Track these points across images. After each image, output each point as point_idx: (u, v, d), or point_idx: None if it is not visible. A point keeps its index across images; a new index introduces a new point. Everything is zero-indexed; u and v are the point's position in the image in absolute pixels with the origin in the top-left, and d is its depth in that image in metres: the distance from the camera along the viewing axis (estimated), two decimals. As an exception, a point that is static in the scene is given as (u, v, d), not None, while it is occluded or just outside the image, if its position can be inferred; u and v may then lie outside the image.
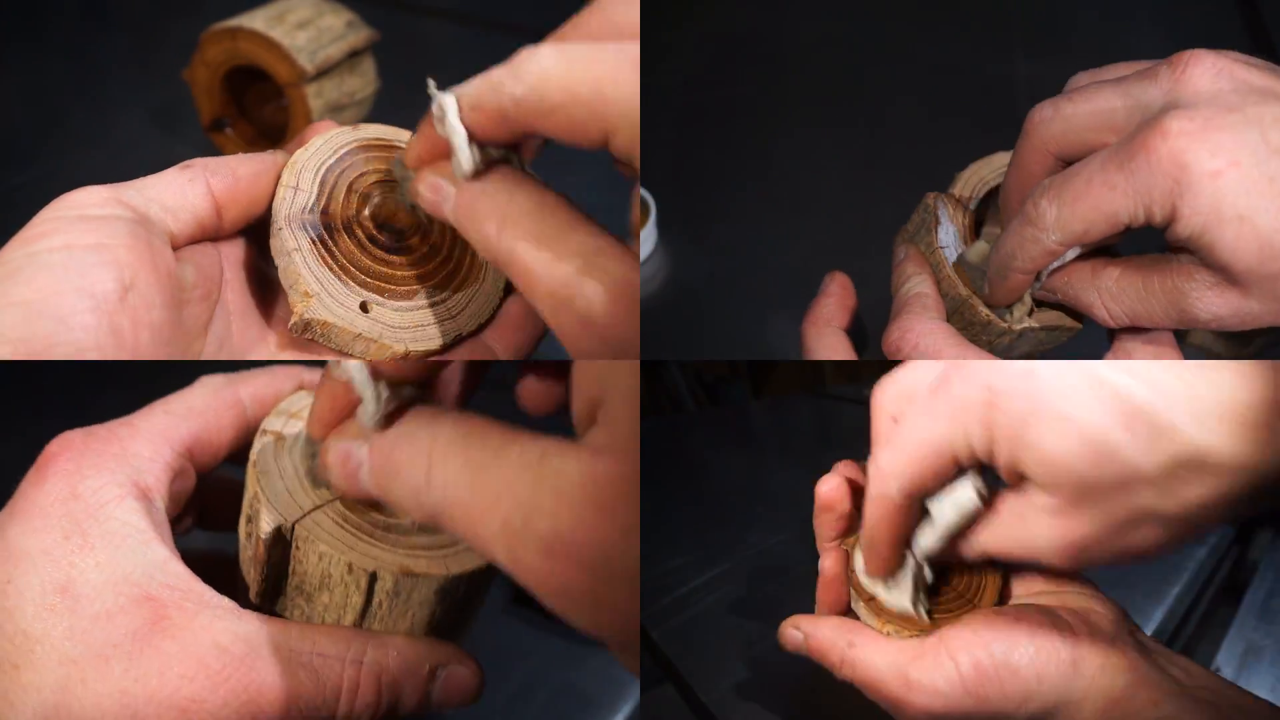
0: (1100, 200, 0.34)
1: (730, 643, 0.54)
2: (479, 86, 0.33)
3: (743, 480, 0.95)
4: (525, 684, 0.51)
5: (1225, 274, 0.33)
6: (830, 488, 0.39)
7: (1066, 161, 0.36)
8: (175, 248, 0.35)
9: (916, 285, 0.40)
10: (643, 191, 0.72)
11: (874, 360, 0.44)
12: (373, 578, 0.32)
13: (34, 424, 0.71)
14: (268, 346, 0.38)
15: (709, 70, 0.86)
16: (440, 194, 0.34)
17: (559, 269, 0.31)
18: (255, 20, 0.66)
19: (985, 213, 0.43)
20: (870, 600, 0.38)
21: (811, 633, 0.39)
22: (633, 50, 0.31)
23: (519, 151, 0.35)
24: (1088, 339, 0.42)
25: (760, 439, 1.19)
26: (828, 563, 0.40)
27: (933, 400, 0.33)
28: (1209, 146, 0.32)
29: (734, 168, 0.78)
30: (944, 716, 0.34)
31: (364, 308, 0.37)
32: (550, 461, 0.27)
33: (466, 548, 0.34)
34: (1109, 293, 0.37)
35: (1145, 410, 0.28)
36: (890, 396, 0.34)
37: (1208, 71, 0.33)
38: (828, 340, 0.42)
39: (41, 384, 0.74)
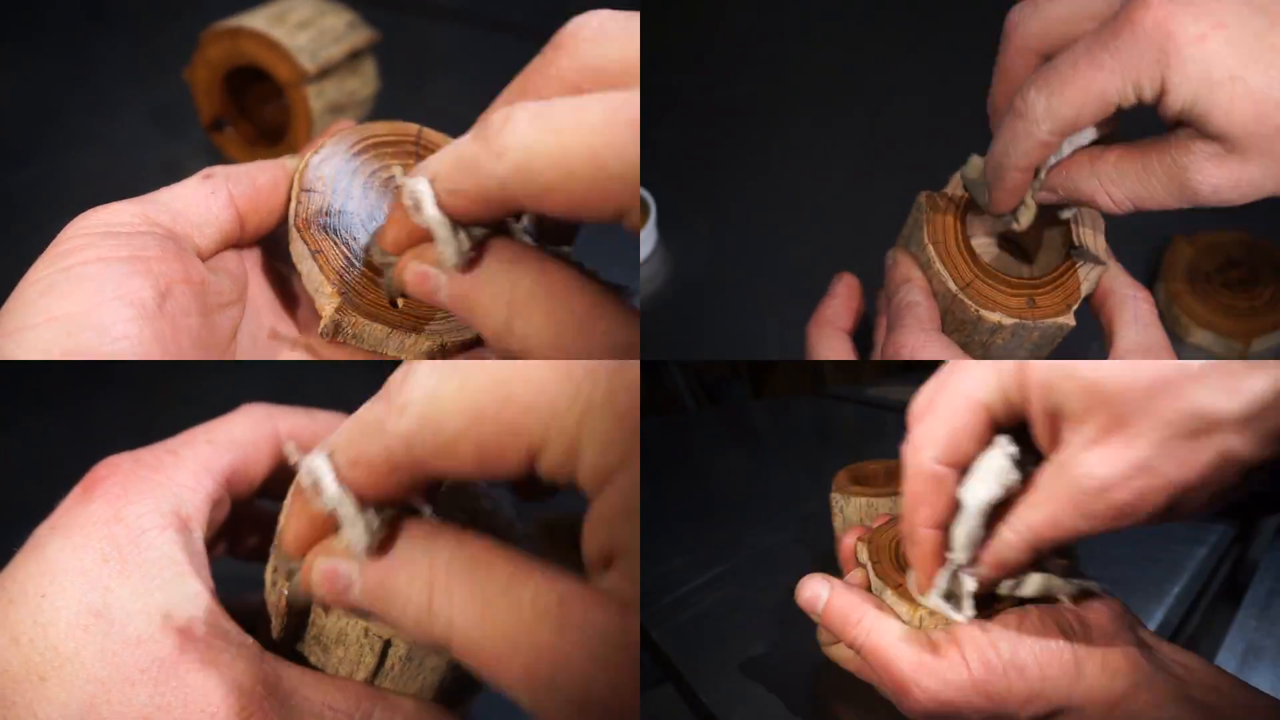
0: (1089, 81, 0.33)
1: (730, 643, 0.54)
2: (453, 168, 0.30)
3: (743, 480, 0.95)
4: (525, 684, 0.51)
5: (1223, 140, 0.32)
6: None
7: (1050, 59, 0.36)
8: (202, 259, 0.35)
9: (909, 294, 0.40)
10: (643, 191, 0.72)
11: (875, 360, 0.44)
12: (387, 643, 0.32)
13: (34, 424, 0.71)
14: (299, 346, 0.39)
15: (709, 70, 0.86)
16: (430, 284, 0.32)
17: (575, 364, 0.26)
18: (256, 20, 0.66)
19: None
20: (899, 587, 0.38)
21: (841, 590, 0.38)
22: (622, 103, 0.28)
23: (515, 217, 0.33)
24: (1085, 340, 0.42)
25: (760, 439, 1.19)
26: (844, 547, 0.40)
27: (962, 364, 0.33)
28: (1192, 12, 0.31)
29: (734, 168, 0.78)
30: (949, 707, 0.34)
31: (394, 303, 0.36)
32: (571, 612, 0.25)
33: None
34: (1109, 178, 0.36)
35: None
36: (918, 403, 0.35)
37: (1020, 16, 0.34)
38: (830, 342, 0.42)
39: (42, 384, 0.74)
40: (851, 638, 0.37)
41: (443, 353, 0.37)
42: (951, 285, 0.40)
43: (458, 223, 0.31)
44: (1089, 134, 0.36)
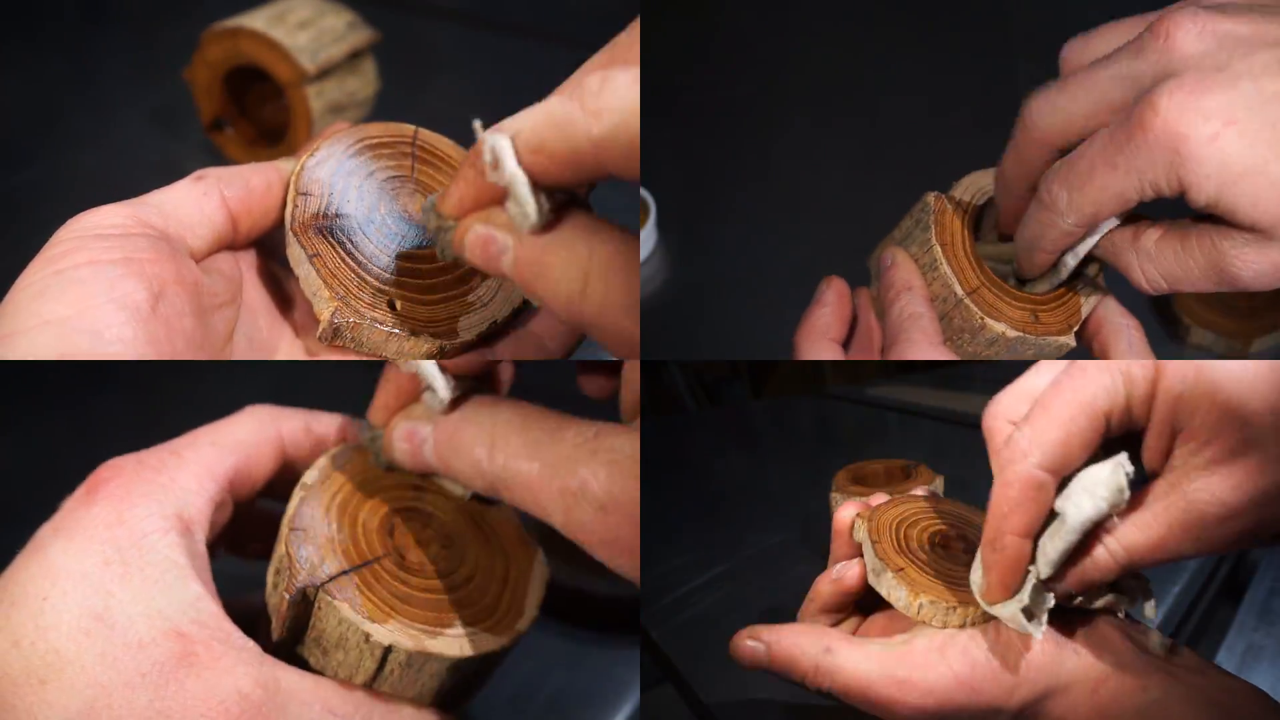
0: (1106, 182, 0.34)
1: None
2: (539, 124, 0.29)
3: (743, 480, 0.95)
4: (526, 684, 0.51)
5: (1255, 231, 0.32)
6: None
7: (1066, 151, 0.36)
8: (196, 261, 0.35)
9: (912, 304, 0.39)
10: (643, 191, 0.72)
11: (875, 360, 0.44)
12: (387, 649, 0.32)
13: (34, 424, 0.71)
14: (296, 345, 0.39)
15: (709, 70, 0.86)
16: (495, 248, 0.31)
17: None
18: (256, 20, 0.66)
19: (983, 219, 0.42)
20: (900, 571, 0.37)
21: (775, 641, 0.37)
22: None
23: (487, 381, 0.35)
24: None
25: (760, 439, 1.20)
26: (838, 522, 0.40)
27: (1080, 365, 0.31)
28: (1202, 111, 0.31)
29: (734, 168, 0.78)
30: (938, 712, 0.34)
31: (392, 305, 0.36)
32: (604, 439, 0.31)
33: (483, 630, 0.34)
34: (1147, 256, 0.36)
35: None
36: (1008, 404, 0.33)
37: (1190, 34, 0.33)
38: (822, 354, 0.41)
39: (41, 384, 0.74)
40: (815, 685, 0.36)
41: (443, 355, 0.37)
42: (958, 289, 0.39)
43: (538, 184, 0.30)
44: (1114, 221, 0.37)
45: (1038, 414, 0.31)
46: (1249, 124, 0.31)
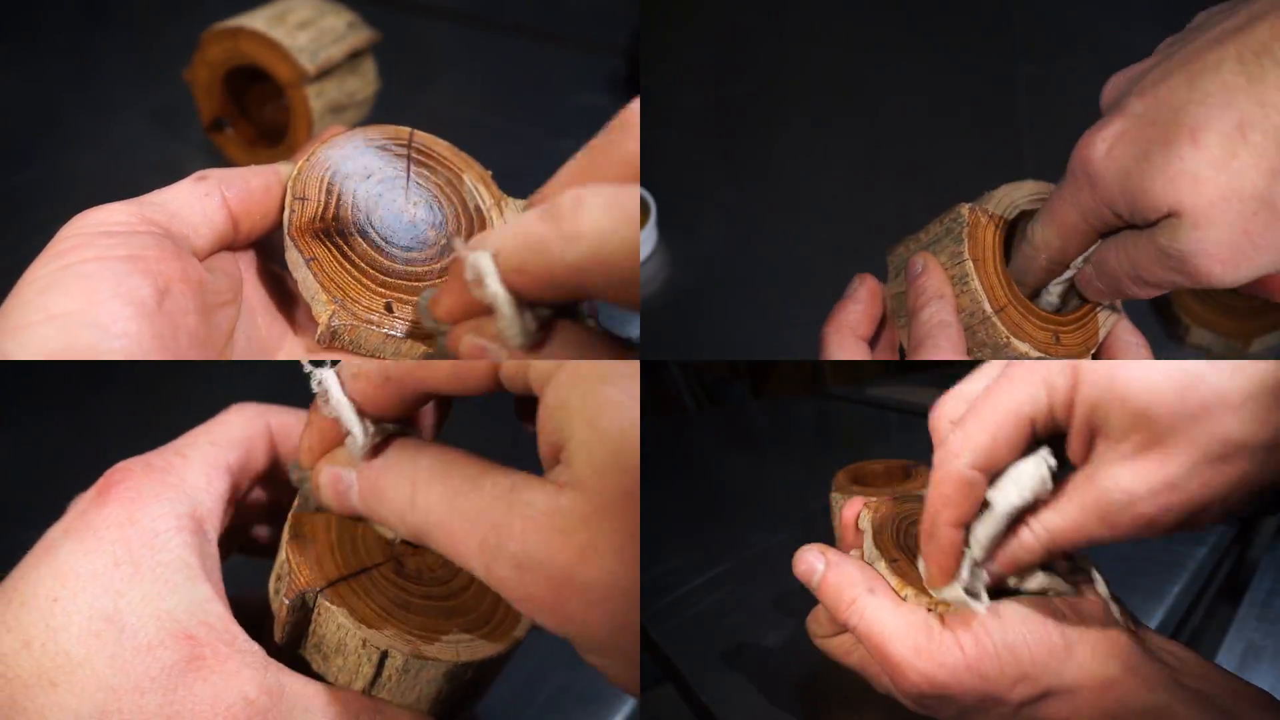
0: (1064, 217, 0.37)
1: (730, 643, 0.54)
2: (518, 247, 0.30)
3: (743, 480, 0.95)
4: (526, 684, 0.51)
5: (1174, 217, 0.34)
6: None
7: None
8: (198, 260, 0.35)
9: (941, 313, 0.39)
10: (643, 191, 0.72)
11: (874, 360, 0.44)
12: (384, 655, 0.32)
13: (34, 424, 0.71)
14: (296, 345, 0.39)
15: (709, 70, 0.86)
16: (491, 358, 0.33)
17: (482, 518, 0.30)
18: (256, 20, 0.66)
19: (1015, 234, 0.42)
20: (895, 562, 0.38)
21: (836, 563, 0.38)
22: (637, 195, 0.30)
23: (411, 423, 0.35)
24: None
25: (760, 439, 1.20)
26: (846, 511, 0.41)
27: (1009, 373, 0.34)
28: (1101, 137, 0.34)
29: (734, 168, 0.78)
30: (943, 687, 0.34)
31: (389, 308, 0.37)
32: (520, 493, 0.30)
33: (480, 636, 0.34)
34: (1101, 267, 0.38)
35: (1224, 360, 0.29)
36: (950, 406, 0.36)
37: (1110, 90, 0.36)
38: (850, 349, 0.42)
39: (42, 383, 0.74)
40: (845, 617, 0.37)
41: (441, 356, 0.37)
42: (986, 307, 0.39)
43: (522, 301, 0.31)
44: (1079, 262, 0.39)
45: (970, 418, 0.34)
46: (1137, 131, 0.34)
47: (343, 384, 0.32)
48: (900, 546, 0.40)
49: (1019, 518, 0.35)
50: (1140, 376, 0.31)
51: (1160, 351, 0.40)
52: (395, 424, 0.34)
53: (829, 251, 0.70)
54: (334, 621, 0.32)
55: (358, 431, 0.32)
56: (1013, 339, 0.39)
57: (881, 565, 0.39)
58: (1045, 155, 0.73)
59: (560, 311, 0.32)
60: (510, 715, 0.50)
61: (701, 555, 0.67)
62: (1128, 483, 0.31)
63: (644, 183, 0.71)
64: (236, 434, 0.36)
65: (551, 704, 0.51)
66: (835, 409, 1.30)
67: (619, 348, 0.32)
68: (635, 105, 0.32)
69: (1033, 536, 0.34)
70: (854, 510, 0.42)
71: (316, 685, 0.32)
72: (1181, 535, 0.67)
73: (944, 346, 0.39)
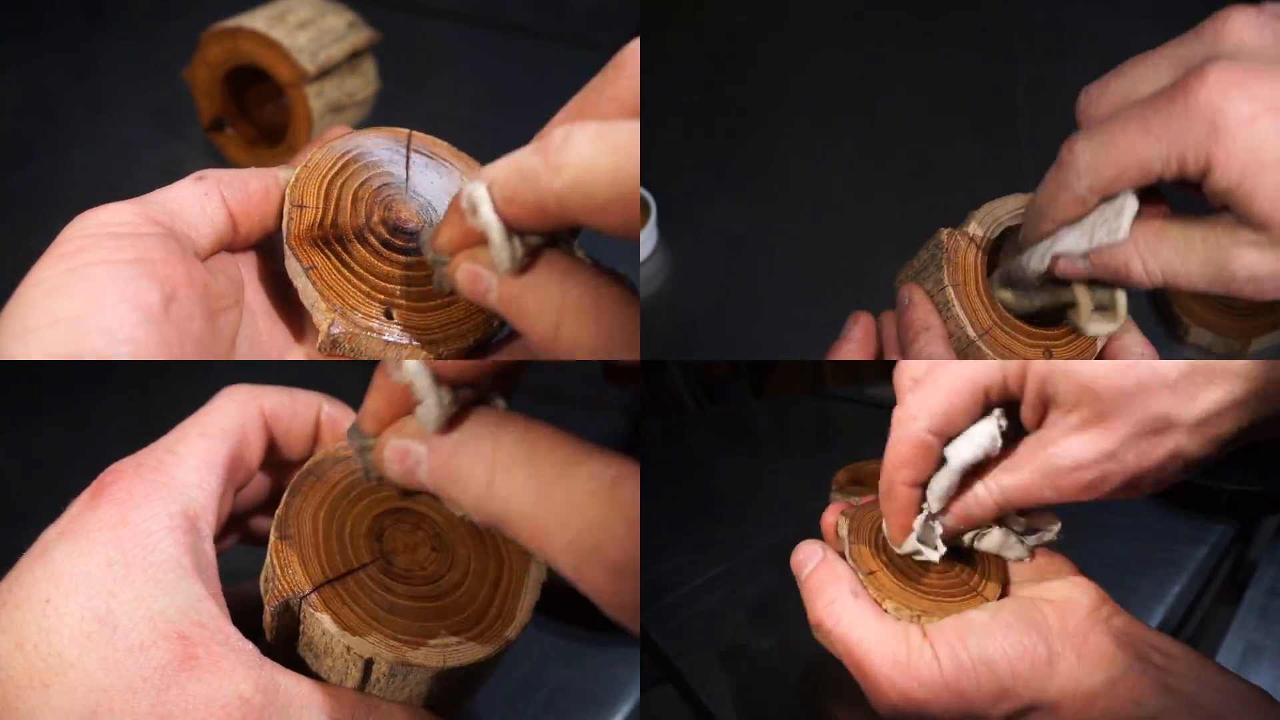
0: (1135, 144, 0.33)
1: (730, 643, 0.54)
2: (511, 176, 0.31)
3: (743, 480, 0.95)
4: (525, 683, 0.51)
5: (1267, 230, 0.32)
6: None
7: None
8: (200, 261, 0.35)
9: (930, 345, 0.39)
10: (643, 191, 0.72)
11: (874, 360, 0.44)
12: (369, 661, 0.32)
13: (34, 424, 0.71)
14: (300, 348, 0.39)
15: (709, 70, 0.86)
16: (482, 284, 0.33)
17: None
18: (256, 20, 0.65)
19: (999, 253, 0.41)
20: (871, 574, 0.38)
21: (829, 561, 0.38)
22: (636, 130, 0.30)
23: (494, 389, 0.34)
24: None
25: (760, 439, 1.20)
26: (826, 518, 0.42)
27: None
28: (1247, 94, 0.31)
29: (734, 168, 0.78)
30: (921, 705, 0.34)
31: (388, 314, 0.37)
32: (624, 490, 0.28)
33: (469, 639, 0.34)
34: (1147, 247, 0.35)
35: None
36: (913, 365, 0.37)
37: (1250, 25, 0.32)
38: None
39: (42, 384, 0.74)
40: (820, 617, 0.36)
41: (440, 288, 0.36)
42: (970, 332, 0.39)
43: (513, 230, 0.31)
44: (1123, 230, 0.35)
45: (927, 383, 0.36)
46: None
47: (494, 202, 0.31)
48: (879, 555, 0.39)
49: (973, 473, 0.36)
50: (1087, 363, 0.34)
51: (1162, 353, 0.39)
52: (475, 390, 0.33)
53: (829, 251, 0.70)
54: (319, 627, 0.32)
55: (505, 255, 0.31)
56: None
57: (859, 578, 0.38)
58: (1045, 155, 0.73)
59: (551, 241, 0.33)
60: (509, 715, 0.50)
61: (701, 555, 0.67)
62: (1074, 451, 0.34)
63: (644, 183, 0.71)
64: (228, 422, 0.36)
65: (551, 704, 0.51)
66: (835, 409, 1.30)
67: (609, 276, 0.32)
68: (634, 45, 0.32)
69: (986, 492, 0.36)
70: (832, 518, 0.42)
71: (311, 683, 0.32)
72: (1181, 535, 0.67)
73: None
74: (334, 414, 0.39)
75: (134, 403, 0.73)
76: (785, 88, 0.84)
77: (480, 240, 0.32)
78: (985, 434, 0.36)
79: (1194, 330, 0.67)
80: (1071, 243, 0.36)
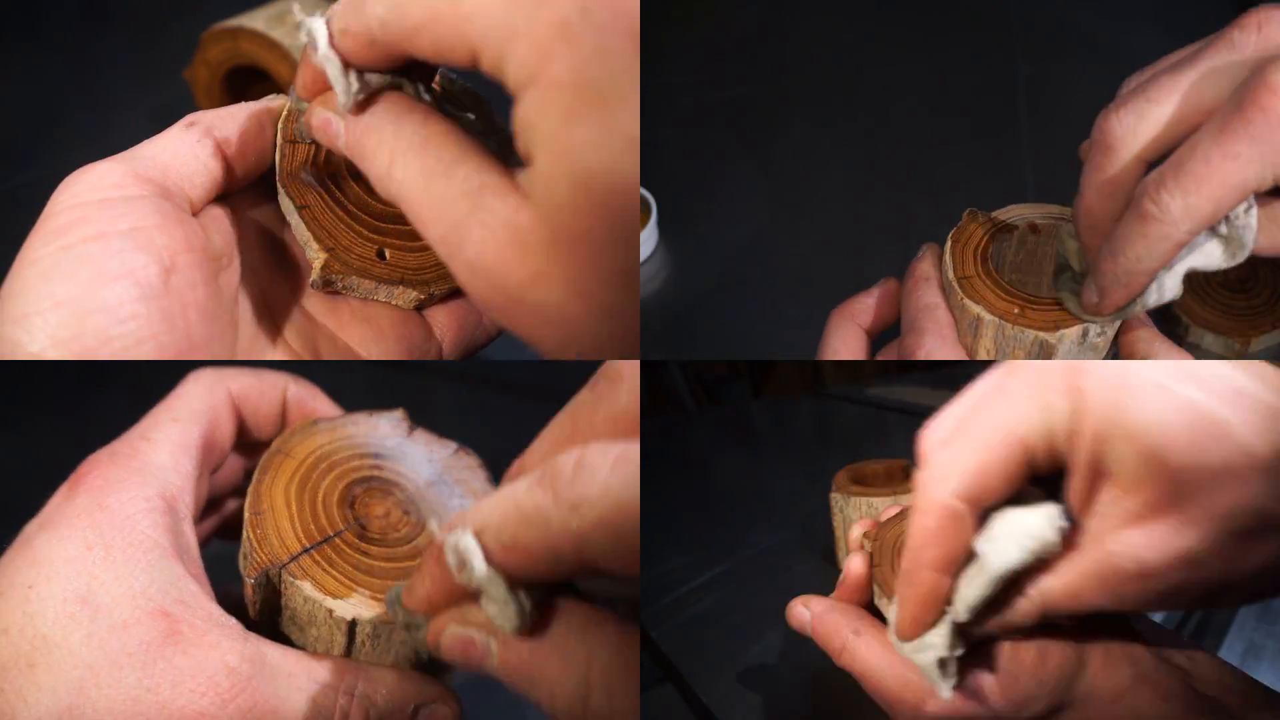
0: (1224, 174, 0.32)
1: (730, 643, 0.54)
2: (509, 519, 0.27)
3: (743, 480, 0.95)
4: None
5: None
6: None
7: (1155, 164, 0.34)
8: (194, 213, 0.35)
9: (928, 295, 0.39)
10: (643, 191, 0.72)
11: (874, 360, 0.44)
12: (353, 623, 0.32)
13: (34, 424, 0.71)
14: (306, 298, 0.38)
15: (709, 70, 0.86)
16: (331, 130, 0.34)
17: (446, 211, 0.30)
18: (256, 20, 0.66)
19: (994, 253, 0.42)
20: (894, 597, 0.37)
21: (820, 614, 0.37)
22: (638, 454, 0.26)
23: (414, 76, 0.33)
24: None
25: (760, 439, 1.20)
26: (853, 564, 0.37)
27: (1002, 385, 0.28)
28: None
29: (734, 168, 0.78)
30: (946, 714, 0.33)
31: (381, 255, 0.36)
32: (485, 196, 0.29)
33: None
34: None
35: (1251, 391, 0.24)
36: (937, 426, 0.30)
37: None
38: (845, 335, 0.42)
39: (41, 383, 0.74)
40: (842, 664, 0.36)
41: (431, 301, 0.37)
42: (950, 274, 0.40)
43: (352, 67, 0.32)
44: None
45: (957, 437, 0.29)
46: None
47: (331, 37, 0.32)
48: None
49: (1014, 582, 0.29)
50: (1153, 410, 0.25)
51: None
52: (386, 75, 0.33)
53: (829, 251, 0.70)
54: (300, 595, 0.33)
55: (340, 89, 0.32)
56: (966, 300, 0.39)
57: (884, 602, 0.35)
58: (1045, 155, 0.73)
59: (394, 85, 0.33)
60: (509, 715, 0.50)
61: (701, 555, 0.67)
62: (1141, 551, 0.26)
63: (644, 183, 0.71)
64: (197, 405, 0.37)
65: (551, 704, 0.51)
66: (834, 409, 1.30)
67: (440, 114, 0.33)
68: (608, 369, 0.31)
69: (1027, 602, 0.29)
70: (856, 538, 0.40)
71: (297, 653, 0.32)
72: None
73: (928, 326, 0.39)
74: (300, 393, 0.39)
75: (135, 403, 0.73)
76: (785, 88, 0.84)
77: (467, 596, 0.28)
78: (1039, 539, 0.27)
79: (1193, 330, 0.67)
80: (1205, 256, 0.34)
